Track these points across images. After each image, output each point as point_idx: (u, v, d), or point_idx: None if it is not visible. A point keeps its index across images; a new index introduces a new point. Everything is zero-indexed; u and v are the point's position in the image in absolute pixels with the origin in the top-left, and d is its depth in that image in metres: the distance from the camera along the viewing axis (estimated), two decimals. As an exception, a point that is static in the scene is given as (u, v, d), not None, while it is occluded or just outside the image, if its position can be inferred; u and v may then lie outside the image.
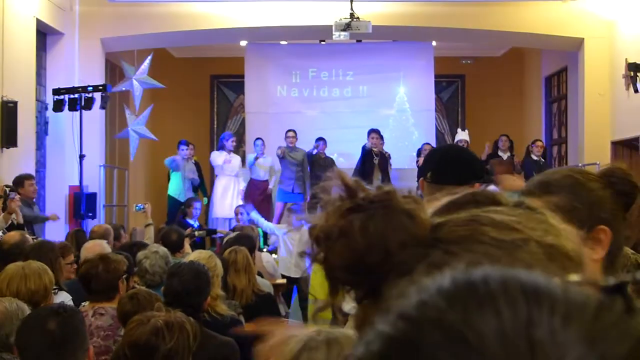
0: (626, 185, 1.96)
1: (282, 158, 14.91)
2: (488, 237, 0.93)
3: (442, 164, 3.14)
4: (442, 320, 0.66)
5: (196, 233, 11.41)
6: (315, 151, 14.96)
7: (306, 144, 15.19)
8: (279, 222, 13.93)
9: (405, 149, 16.07)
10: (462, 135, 15.46)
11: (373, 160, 14.66)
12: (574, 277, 0.75)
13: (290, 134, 15.08)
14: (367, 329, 0.71)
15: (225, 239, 8.43)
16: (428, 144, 15.19)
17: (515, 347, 0.63)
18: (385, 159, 14.86)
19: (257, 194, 14.80)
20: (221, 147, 14.91)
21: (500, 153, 15.30)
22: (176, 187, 14.75)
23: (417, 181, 3.33)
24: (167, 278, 4.76)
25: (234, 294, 6.31)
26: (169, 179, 15.15)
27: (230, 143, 14.67)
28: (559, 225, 0.98)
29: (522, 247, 0.92)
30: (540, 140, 15.35)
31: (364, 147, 14.77)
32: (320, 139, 15.14)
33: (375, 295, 0.95)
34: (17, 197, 9.36)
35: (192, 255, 5.87)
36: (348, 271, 0.97)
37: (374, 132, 14.84)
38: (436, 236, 0.95)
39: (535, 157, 14.76)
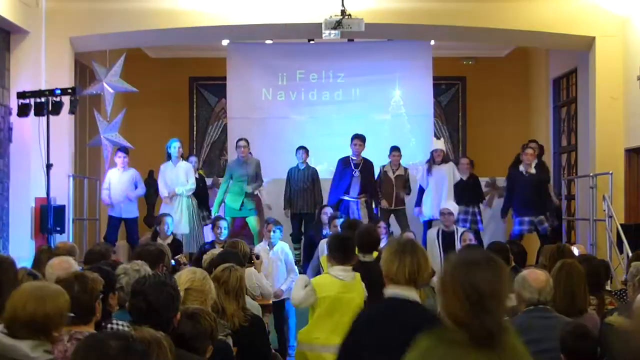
0: None
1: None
2: None
3: None
4: None
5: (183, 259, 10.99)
6: (303, 166, 14.33)
7: (293, 153, 14.67)
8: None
9: (401, 158, 15.52)
10: (438, 145, 14.89)
11: (353, 172, 13.96)
12: None
13: (241, 143, 14.12)
14: None
15: (208, 257, 8.18)
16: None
17: None
18: (367, 169, 14.04)
19: None
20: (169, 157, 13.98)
21: (521, 168, 13.78)
22: None
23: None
24: (130, 296, 4.78)
25: (223, 315, 6.17)
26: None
27: (175, 150, 13.65)
28: None
29: None
30: (534, 142, 14.49)
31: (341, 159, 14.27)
32: (301, 148, 14.45)
33: None
34: None
35: (185, 274, 5.70)
36: None
37: (357, 139, 14.05)
38: None
39: (522, 169, 13.58)
